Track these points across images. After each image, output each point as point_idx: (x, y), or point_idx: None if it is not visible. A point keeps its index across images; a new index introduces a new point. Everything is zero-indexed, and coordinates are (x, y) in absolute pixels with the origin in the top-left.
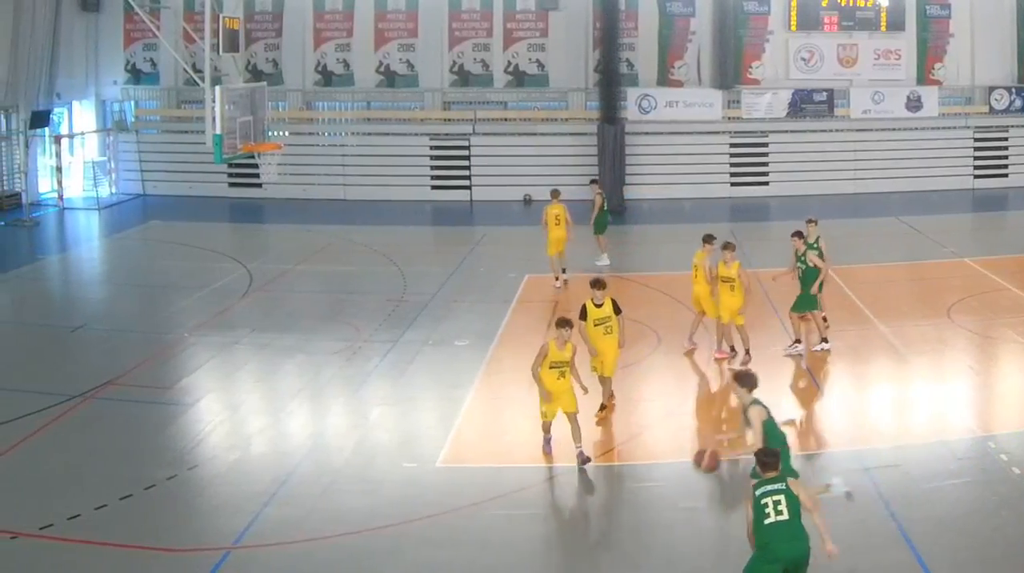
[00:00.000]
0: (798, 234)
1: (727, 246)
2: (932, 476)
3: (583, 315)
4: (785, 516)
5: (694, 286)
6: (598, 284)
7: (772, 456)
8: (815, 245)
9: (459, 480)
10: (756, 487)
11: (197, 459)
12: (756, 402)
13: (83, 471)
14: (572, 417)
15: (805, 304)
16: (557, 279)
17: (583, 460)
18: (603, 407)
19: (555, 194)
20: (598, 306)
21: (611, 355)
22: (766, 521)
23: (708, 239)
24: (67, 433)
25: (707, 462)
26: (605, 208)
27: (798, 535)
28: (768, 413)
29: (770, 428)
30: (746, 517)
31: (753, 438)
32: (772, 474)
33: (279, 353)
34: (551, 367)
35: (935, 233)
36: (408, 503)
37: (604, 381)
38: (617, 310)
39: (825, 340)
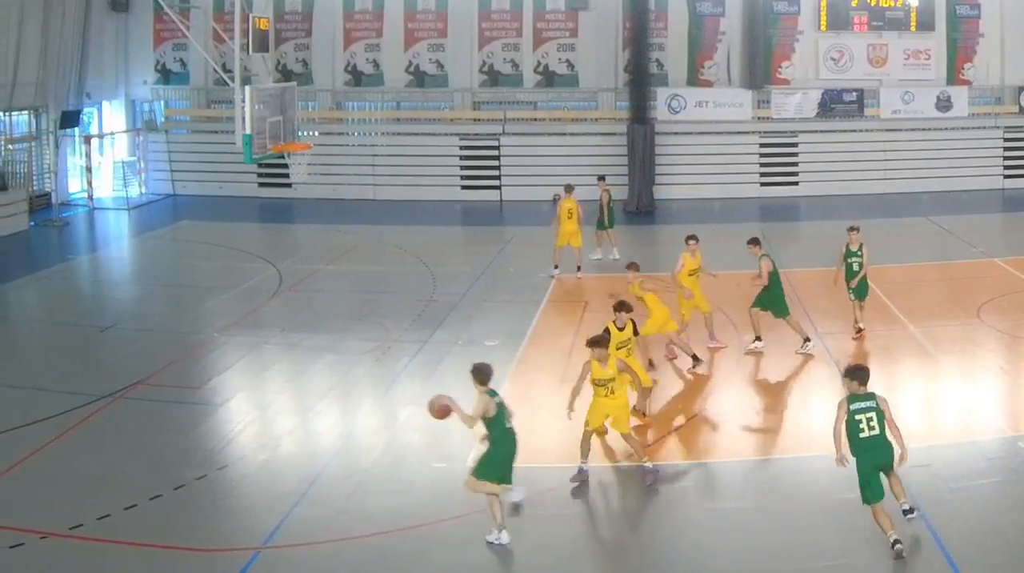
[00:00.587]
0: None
1: (691, 237)
2: (962, 476)
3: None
4: (876, 430)
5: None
6: (623, 307)
7: (864, 371)
8: (858, 252)
9: None
10: (850, 402)
11: (227, 459)
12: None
13: (113, 471)
14: (626, 437)
15: (777, 304)
16: (556, 267)
17: (651, 478)
18: (641, 414)
19: (569, 189)
20: (620, 329)
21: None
22: (861, 435)
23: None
24: (97, 433)
25: (437, 411)
26: (611, 205)
27: (887, 445)
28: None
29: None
30: (836, 421)
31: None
32: (864, 390)
33: (309, 353)
34: (596, 385)
35: (965, 233)
36: (437, 503)
37: (643, 391)
38: (635, 332)
39: (808, 339)
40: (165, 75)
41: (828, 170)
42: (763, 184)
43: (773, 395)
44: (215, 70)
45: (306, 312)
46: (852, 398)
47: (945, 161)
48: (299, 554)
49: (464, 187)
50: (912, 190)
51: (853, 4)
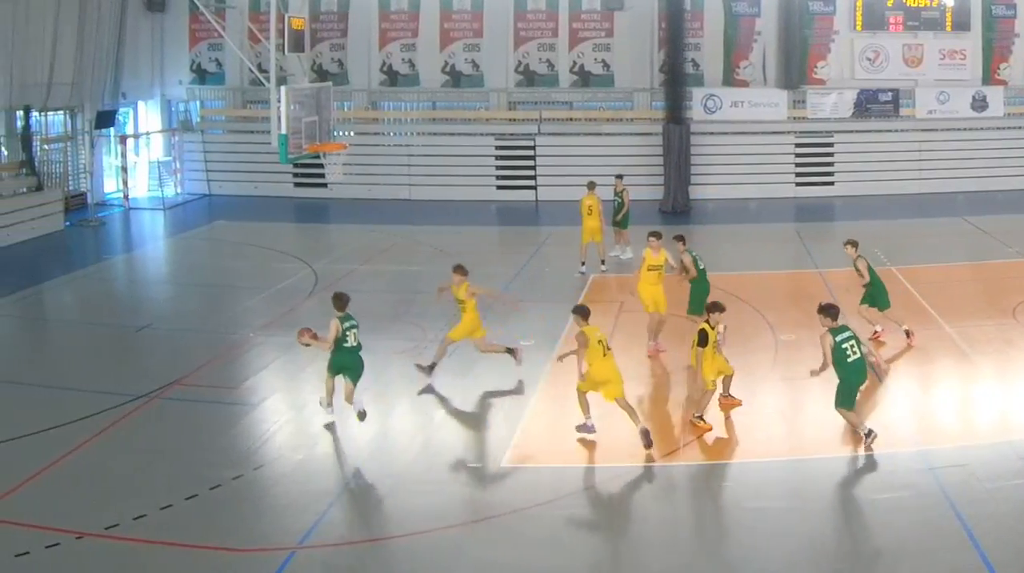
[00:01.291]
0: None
1: (653, 234)
2: (997, 476)
3: (703, 341)
4: (858, 354)
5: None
6: (717, 307)
7: (835, 308)
8: (855, 265)
9: (524, 480)
10: (834, 334)
11: (263, 459)
12: None
13: (149, 471)
14: (621, 403)
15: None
16: (583, 265)
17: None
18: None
19: (591, 186)
20: (714, 328)
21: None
22: (848, 359)
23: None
24: (133, 433)
25: (300, 336)
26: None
27: (865, 366)
28: None
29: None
30: (824, 355)
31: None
32: (838, 324)
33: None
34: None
35: (1000, 233)
36: (473, 503)
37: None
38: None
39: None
40: (201, 75)
41: (864, 170)
42: (799, 184)
43: (811, 393)
44: (251, 70)
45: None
46: (835, 331)
47: (981, 161)
48: (335, 554)
49: (500, 187)
50: (948, 190)
51: (889, 4)
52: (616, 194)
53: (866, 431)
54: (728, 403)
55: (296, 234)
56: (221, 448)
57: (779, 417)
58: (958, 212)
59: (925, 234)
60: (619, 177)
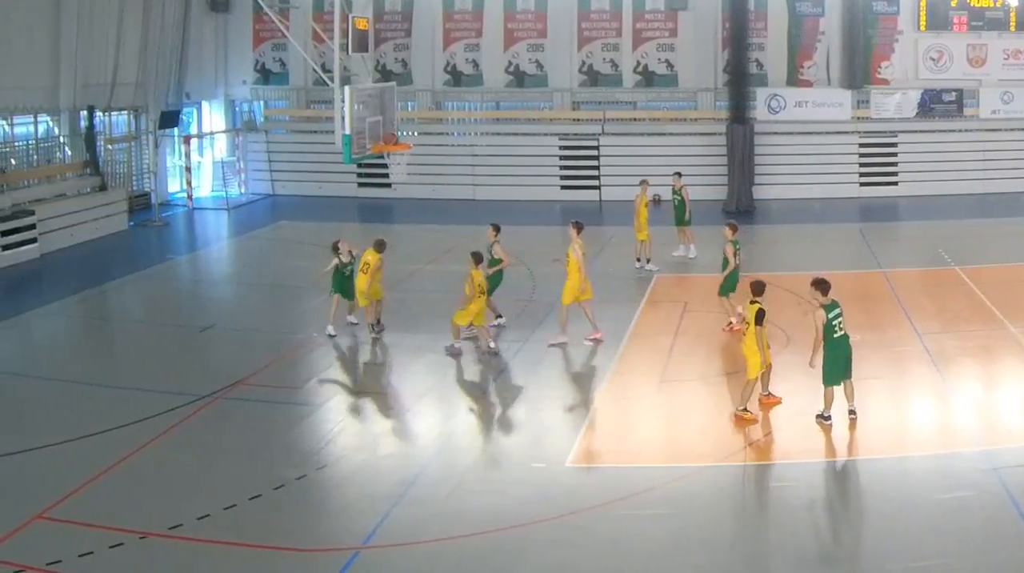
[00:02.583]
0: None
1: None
2: None
3: (761, 319)
4: (843, 332)
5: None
6: (763, 287)
7: (827, 283)
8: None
9: (588, 480)
10: (827, 310)
11: (326, 459)
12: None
13: (212, 471)
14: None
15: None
16: (639, 261)
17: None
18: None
19: (643, 184)
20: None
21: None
22: (835, 335)
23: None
24: (196, 433)
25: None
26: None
27: (849, 343)
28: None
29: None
30: (816, 330)
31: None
32: (829, 299)
33: (408, 353)
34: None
35: None
36: (536, 504)
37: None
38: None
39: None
40: (265, 75)
41: (927, 170)
42: (862, 184)
43: (874, 394)
44: (315, 70)
45: (405, 312)
46: (827, 307)
47: None
48: (398, 554)
49: (563, 187)
50: (1012, 190)
51: (952, 4)
52: (675, 192)
53: (827, 415)
54: (769, 402)
55: (360, 234)
56: (284, 448)
57: (841, 417)
58: (1022, 212)
59: (989, 234)
60: (677, 174)
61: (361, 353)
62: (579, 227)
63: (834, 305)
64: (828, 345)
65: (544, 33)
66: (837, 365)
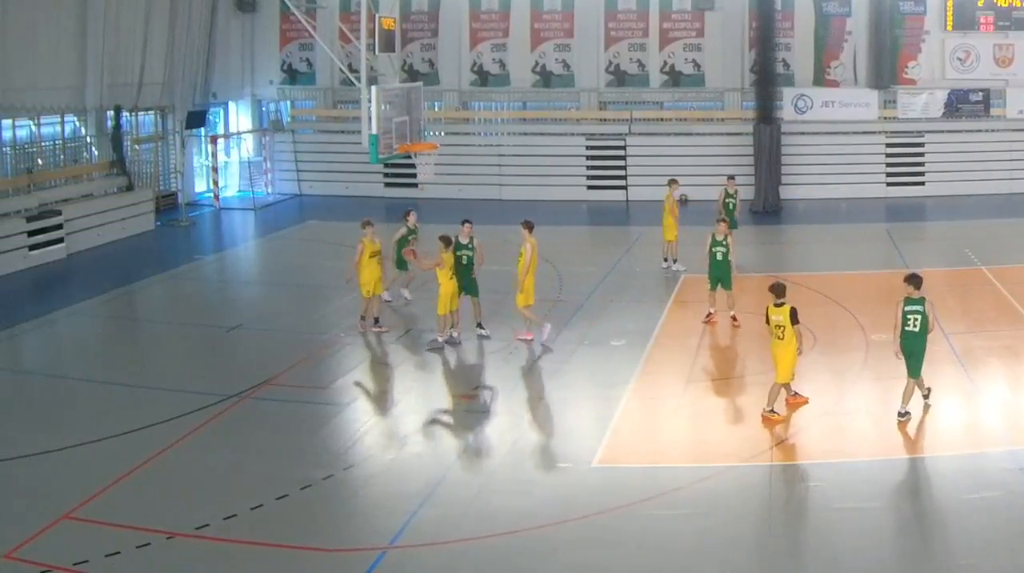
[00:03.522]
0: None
1: (365, 223)
2: None
3: (796, 318)
4: (916, 329)
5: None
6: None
7: (919, 278)
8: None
9: (614, 480)
10: (905, 303)
11: (353, 459)
12: None
13: (239, 471)
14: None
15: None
16: (666, 261)
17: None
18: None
19: (671, 184)
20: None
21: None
22: (906, 328)
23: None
24: (223, 433)
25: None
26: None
27: (920, 340)
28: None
29: None
30: (896, 319)
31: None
32: (918, 294)
33: (434, 353)
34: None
35: None
36: (562, 504)
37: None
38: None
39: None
40: (291, 75)
41: (954, 170)
42: (889, 184)
43: (896, 395)
44: (341, 70)
45: (432, 312)
46: (907, 301)
47: None
48: (425, 554)
49: (590, 187)
50: None
51: (979, 4)
52: (729, 195)
53: (901, 411)
54: (795, 402)
55: (387, 234)
56: (311, 448)
57: (868, 417)
58: None
59: (1016, 234)
60: (731, 177)
61: (388, 353)
62: (530, 226)
63: (914, 301)
64: (900, 336)
65: (571, 33)
66: (908, 359)
